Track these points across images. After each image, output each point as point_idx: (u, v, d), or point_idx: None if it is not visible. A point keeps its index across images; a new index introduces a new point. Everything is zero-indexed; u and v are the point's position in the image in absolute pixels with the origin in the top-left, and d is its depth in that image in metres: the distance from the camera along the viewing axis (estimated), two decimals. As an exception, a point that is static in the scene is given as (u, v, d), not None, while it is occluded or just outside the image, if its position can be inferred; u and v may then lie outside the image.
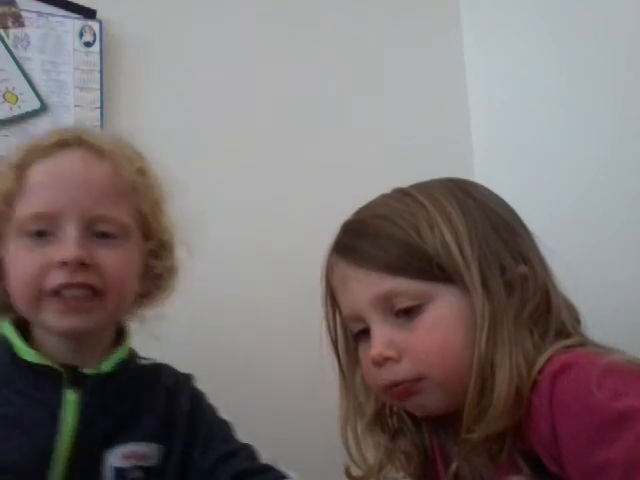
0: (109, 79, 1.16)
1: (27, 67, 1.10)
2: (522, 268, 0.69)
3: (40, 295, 0.71)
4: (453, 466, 0.72)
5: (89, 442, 0.72)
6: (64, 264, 0.70)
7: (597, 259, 1.13)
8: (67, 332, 0.73)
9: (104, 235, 0.73)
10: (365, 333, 0.73)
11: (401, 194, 0.74)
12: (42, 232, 0.72)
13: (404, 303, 0.68)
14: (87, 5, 1.16)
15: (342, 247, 0.74)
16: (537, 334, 0.67)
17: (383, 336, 0.69)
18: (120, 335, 0.80)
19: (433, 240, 0.68)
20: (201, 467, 0.77)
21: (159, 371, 0.83)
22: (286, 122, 1.31)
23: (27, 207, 0.72)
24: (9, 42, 1.09)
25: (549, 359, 0.64)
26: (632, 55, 1.14)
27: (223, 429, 0.81)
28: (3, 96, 1.07)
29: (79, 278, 0.70)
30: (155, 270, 0.80)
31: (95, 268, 0.71)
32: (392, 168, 1.27)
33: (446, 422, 0.74)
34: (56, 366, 0.73)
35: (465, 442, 0.66)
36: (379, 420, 0.77)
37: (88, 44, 1.15)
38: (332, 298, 0.78)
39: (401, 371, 0.68)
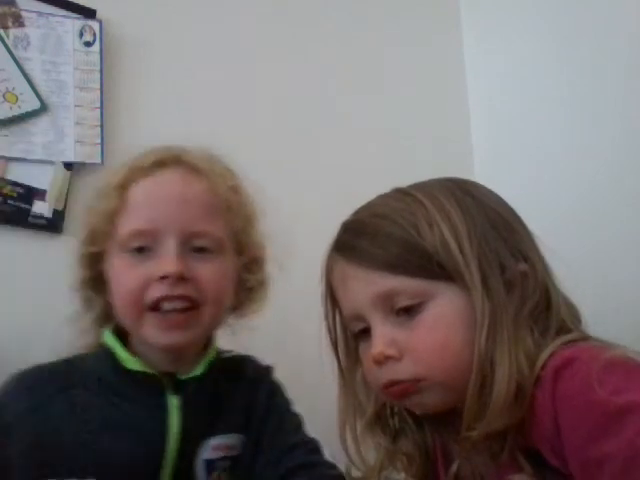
0: (109, 79, 1.16)
1: (27, 67, 1.10)
2: (522, 266, 0.69)
3: (141, 310, 0.75)
4: (454, 466, 0.72)
5: (190, 441, 0.77)
6: (164, 278, 0.74)
7: (597, 259, 1.14)
8: (167, 348, 0.78)
9: (201, 250, 0.77)
10: (365, 332, 0.72)
11: (400, 193, 0.74)
12: (142, 248, 0.76)
13: (404, 302, 0.68)
14: (87, 5, 1.16)
15: (341, 246, 0.74)
16: (537, 332, 0.67)
17: (384, 335, 0.69)
18: (208, 339, 0.84)
19: (432, 238, 0.67)
20: (267, 457, 0.80)
21: (242, 363, 0.87)
22: (286, 122, 1.31)
23: (128, 224, 0.77)
24: (9, 42, 1.09)
25: (552, 354, 0.64)
26: (632, 55, 1.14)
27: (294, 422, 0.84)
28: (3, 96, 1.07)
29: (178, 291, 0.74)
30: (248, 283, 0.84)
31: (193, 281, 0.75)
32: (392, 168, 1.27)
33: (447, 420, 0.74)
34: (157, 373, 0.78)
35: (465, 440, 0.66)
36: (379, 421, 0.77)
37: (88, 44, 1.15)
38: (332, 298, 0.77)
39: (402, 370, 0.68)
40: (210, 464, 0.79)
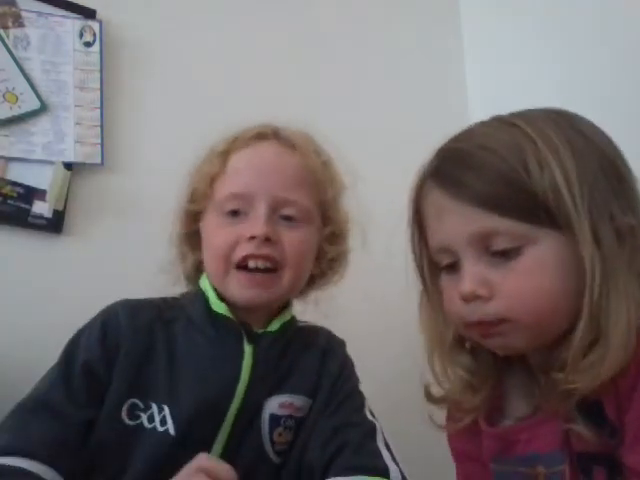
0: (109, 79, 1.17)
1: (27, 67, 1.10)
2: (630, 219, 0.65)
3: (228, 266, 0.82)
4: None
5: (257, 389, 0.82)
6: (252, 238, 0.80)
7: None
8: (248, 303, 0.83)
9: (288, 218, 0.83)
10: (450, 266, 0.70)
11: (505, 124, 0.69)
12: (236, 212, 0.83)
13: (503, 244, 0.65)
14: (87, 5, 1.16)
15: (442, 176, 0.69)
16: None
17: (476, 273, 0.66)
18: (285, 303, 0.90)
19: (542, 180, 0.63)
20: (325, 427, 0.82)
21: (317, 333, 0.91)
22: (285, 122, 1.30)
23: (226, 188, 0.84)
24: (9, 42, 1.09)
25: None
26: (632, 56, 1.14)
27: (357, 400, 0.86)
28: (3, 96, 1.07)
29: (263, 250, 0.81)
30: (329, 255, 0.89)
31: (277, 244, 0.82)
32: (392, 168, 1.27)
33: (519, 363, 0.73)
34: (236, 321, 0.84)
35: (565, 394, 0.63)
36: (460, 341, 0.75)
37: (88, 44, 1.15)
38: (419, 224, 0.74)
39: (490, 311, 0.65)
40: (276, 419, 0.82)
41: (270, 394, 0.83)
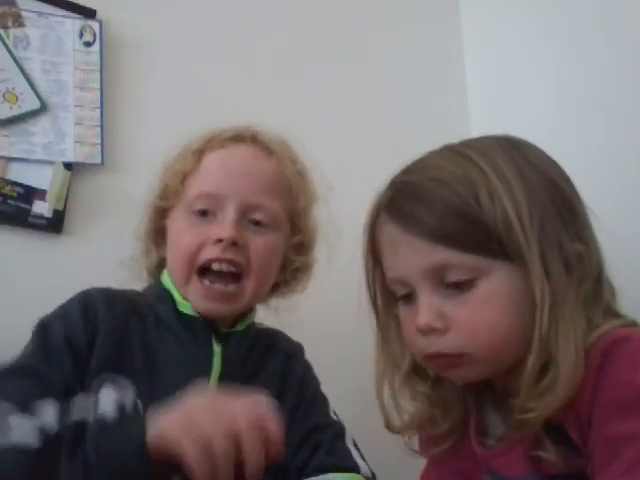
0: (109, 79, 1.16)
1: (27, 67, 1.10)
2: (578, 246, 0.66)
3: (190, 272, 0.82)
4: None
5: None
6: (219, 241, 0.80)
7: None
8: (208, 314, 0.83)
9: (257, 223, 0.83)
10: (407, 297, 0.70)
11: (456, 155, 0.69)
12: (205, 211, 0.83)
13: (457, 276, 0.65)
14: (87, 5, 1.16)
15: (394, 209, 0.70)
16: (589, 313, 0.66)
17: (432, 306, 0.66)
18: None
19: (493, 212, 0.64)
20: (297, 431, 0.82)
21: (277, 336, 0.92)
22: (284, 122, 1.30)
23: (197, 186, 0.84)
24: (9, 42, 1.09)
25: (603, 335, 0.63)
26: (632, 54, 1.14)
27: (323, 403, 0.88)
28: (3, 96, 1.07)
29: (229, 255, 0.80)
30: (294, 264, 0.89)
31: (243, 249, 0.81)
32: (392, 169, 1.27)
33: (484, 387, 0.73)
34: (201, 320, 0.83)
35: (522, 422, 0.64)
36: (417, 370, 0.75)
37: (88, 44, 1.15)
38: (374, 255, 0.74)
39: (447, 343, 0.66)
40: None
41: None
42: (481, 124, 1.48)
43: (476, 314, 0.65)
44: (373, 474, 0.81)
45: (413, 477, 0.83)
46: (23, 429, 0.63)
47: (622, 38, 1.17)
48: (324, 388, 0.92)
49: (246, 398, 0.64)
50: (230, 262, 0.80)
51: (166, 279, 0.86)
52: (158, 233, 0.89)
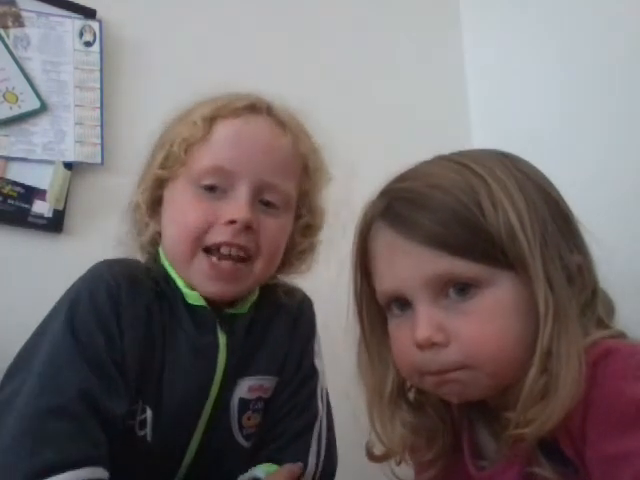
0: (109, 79, 1.16)
1: (27, 67, 1.10)
2: (577, 258, 0.65)
3: (196, 248, 0.74)
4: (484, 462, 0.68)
5: (231, 376, 0.77)
6: (232, 222, 0.72)
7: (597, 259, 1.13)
8: (213, 296, 0.76)
9: (268, 203, 0.76)
10: (398, 308, 0.67)
11: (454, 164, 0.66)
12: (213, 187, 0.74)
13: (460, 286, 0.62)
14: (87, 5, 1.16)
15: (393, 215, 0.66)
16: (584, 325, 0.64)
17: (432, 318, 0.63)
18: None
19: (496, 221, 0.61)
20: (277, 410, 0.80)
21: (281, 299, 0.84)
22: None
23: (207, 159, 0.75)
24: (9, 42, 1.09)
25: (591, 346, 0.61)
26: (631, 52, 1.14)
27: (312, 382, 0.83)
28: (3, 96, 1.07)
29: (240, 240, 0.73)
30: (300, 246, 0.84)
31: (254, 233, 0.74)
32: (392, 169, 1.27)
33: (478, 406, 0.70)
34: (209, 309, 0.77)
35: (517, 437, 0.61)
36: (400, 395, 0.72)
37: (88, 44, 1.15)
38: (363, 267, 0.71)
39: (449, 358, 0.62)
40: (244, 404, 0.78)
41: (240, 376, 0.78)
42: (481, 123, 1.49)
43: (481, 327, 0.62)
44: (325, 471, 0.79)
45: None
46: None
47: (623, 38, 1.17)
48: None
49: None
50: (240, 248, 0.74)
51: (169, 267, 0.79)
52: (154, 204, 0.80)
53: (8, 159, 1.07)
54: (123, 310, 0.72)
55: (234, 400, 0.78)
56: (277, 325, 0.82)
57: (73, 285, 0.76)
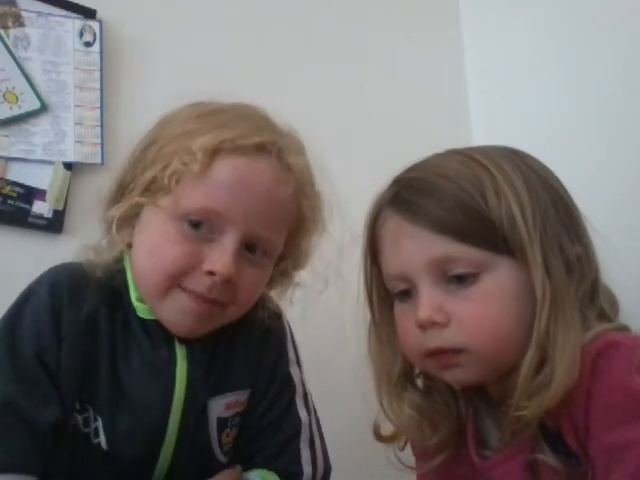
0: (109, 79, 1.16)
1: (27, 67, 1.10)
2: (577, 249, 0.68)
3: (172, 286, 0.70)
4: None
5: (197, 392, 0.75)
6: (212, 274, 0.68)
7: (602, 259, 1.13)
8: (183, 334, 0.74)
9: (254, 251, 0.72)
10: (405, 294, 0.70)
11: (462, 156, 0.70)
12: (199, 224, 0.70)
13: (460, 270, 0.66)
14: (87, 5, 1.16)
15: (400, 202, 0.70)
16: (584, 315, 0.66)
17: (433, 300, 0.66)
18: None
19: (499, 209, 0.65)
20: (256, 424, 0.79)
21: (248, 322, 0.80)
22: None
23: (201, 199, 0.69)
24: (9, 42, 1.09)
25: (594, 338, 0.63)
26: (631, 52, 1.14)
27: (288, 392, 0.81)
28: (3, 96, 1.07)
29: (214, 294, 0.70)
30: (276, 285, 0.82)
31: (233, 284, 0.70)
32: (392, 169, 1.27)
33: (479, 392, 0.73)
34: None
35: (517, 420, 0.64)
36: (408, 378, 0.75)
37: (88, 44, 1.15)
38: (373, 253, 0.74)
39: (448, 337, 0.66)
40: (223, 422, 0.78)
41: (213, 394, 0.76)
42: (481, 123, 1.49)
43: (480, 309, 0.65)
44: (324, 476, 0.78)
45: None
46: None
47: (623, 38, 1.17)
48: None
49: None
50: (214, 302, 0.71)
51: (128, 271, 0.75)
52: (127, 221, 0.74)
53: (8, 159, 1.07)
54: (63, 319, 0.71)
55: (212, 419, 0.76)
56: (246, 338, 0.80)
57: (25, 289, 0.76)
